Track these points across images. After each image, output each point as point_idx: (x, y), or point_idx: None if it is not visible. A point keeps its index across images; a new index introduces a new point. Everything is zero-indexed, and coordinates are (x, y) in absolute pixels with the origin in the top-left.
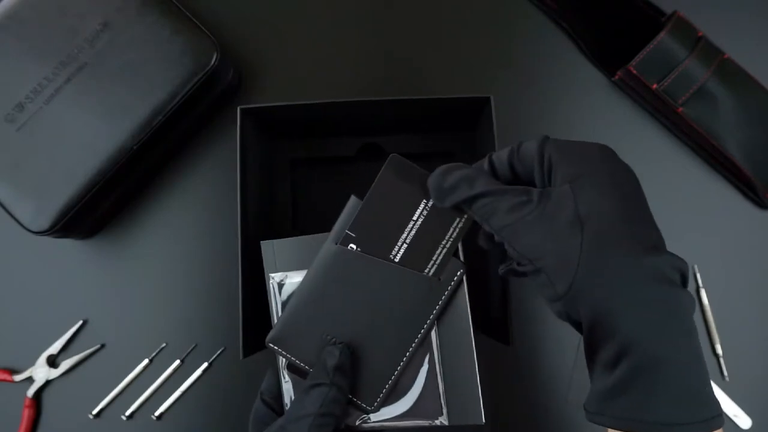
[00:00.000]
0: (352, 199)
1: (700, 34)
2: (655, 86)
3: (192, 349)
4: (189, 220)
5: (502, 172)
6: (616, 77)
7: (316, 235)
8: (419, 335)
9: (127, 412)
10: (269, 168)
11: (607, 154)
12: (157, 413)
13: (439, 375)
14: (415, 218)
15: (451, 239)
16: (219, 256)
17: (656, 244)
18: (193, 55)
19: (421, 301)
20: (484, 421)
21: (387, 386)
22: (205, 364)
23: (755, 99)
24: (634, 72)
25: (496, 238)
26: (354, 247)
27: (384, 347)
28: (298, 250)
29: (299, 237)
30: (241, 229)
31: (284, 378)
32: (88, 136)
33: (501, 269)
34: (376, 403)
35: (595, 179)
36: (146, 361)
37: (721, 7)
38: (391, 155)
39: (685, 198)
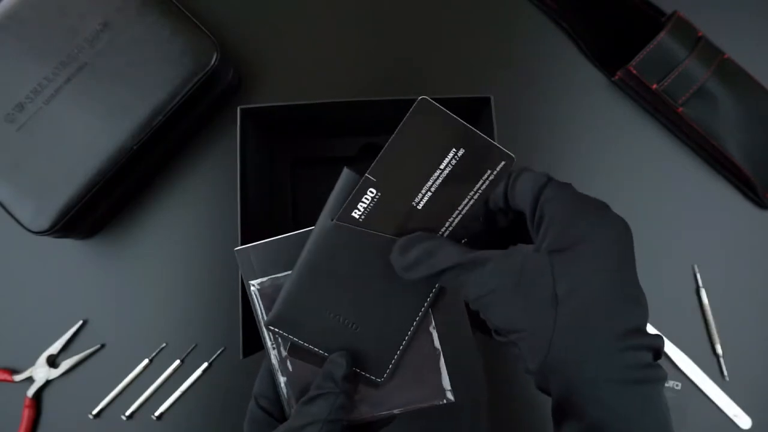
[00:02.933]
0: (346, 171)
1: (700, 34)
2: (655, 86)
3: (192, 349)
4: (189, 220)
5: (494, 201)
6: (616, 77)
7: (291, 234)
8: (425, 303)
9: (127, 412)
10: (269, 168)
11: (603, 217)
12: (157, 413)
13: (441, 355)
14: (442, 167)
15: (480, 191)
16: (219, 255)
17: (634, 325)
18: (193, 55)
19: None
20: (488, 393)
21: (395, 357)
22: (205, 364)
23: (755, 99)
24: (634, 72)
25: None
26: (374, 192)
27: (389, 320)
28: (275, 253)
29: (275, 239)
30: (241, 229)
31: (280, 381)
32: (88, 136)
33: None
34: (385, 375)
35: (582, 252)
36: (146, 361)
37: (721, 7)
38: (420, 98)
39: (685, 198)
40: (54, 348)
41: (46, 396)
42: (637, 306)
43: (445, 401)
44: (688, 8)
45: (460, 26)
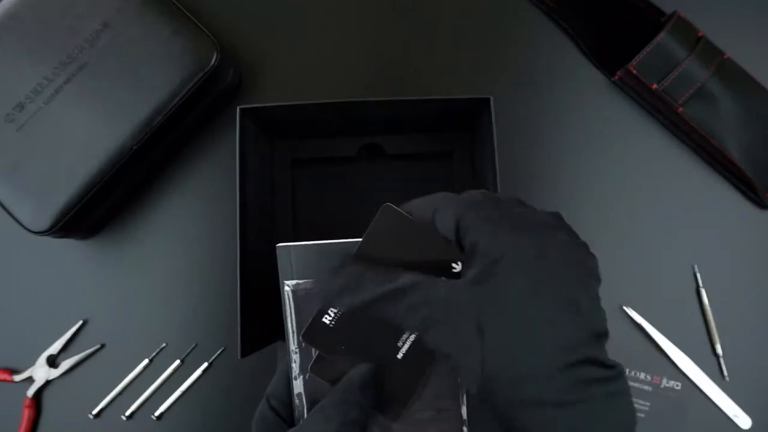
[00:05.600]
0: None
1: (700, 34)
2: (655, 86)
3: (192, 349)
4: (189, 220)
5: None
6: (616, 77)
7: (339, 241)
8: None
9: (127, 412)
10: (269, 168)
11: (515, 231)
12: (157, 413)
13: (462, 392)
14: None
15: None
16: (219, 255)
17: (569, 340)
18: (193, 55)
19: None
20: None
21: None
22: (205, 364)
23: (755, 99)
24: (634, 72)
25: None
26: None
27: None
28: (317, 257)
29: (320, 242)
30: (240, 229)
31: (296, 388)
32: (88, 136)
33: None
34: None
35: (499, 274)
36: (146, 361)
37: (721, 7)
38: (384, 205)
39: (685, 198)
40: (54, 348)
41: (46, 396)
42: (575, 316)
43: None
44: (688, 8)
45: (459, 26)
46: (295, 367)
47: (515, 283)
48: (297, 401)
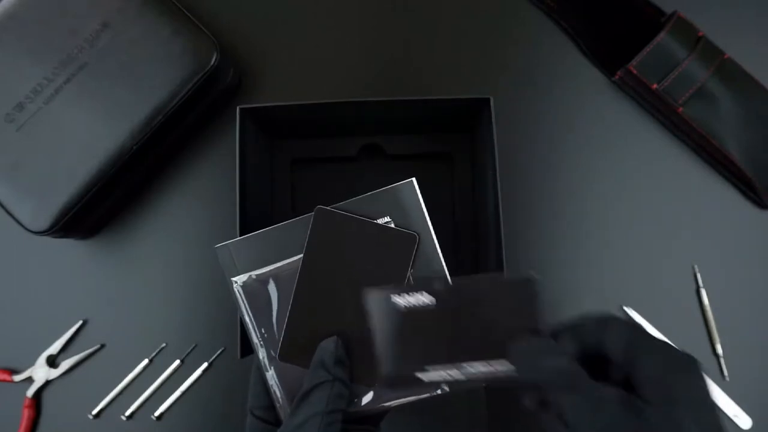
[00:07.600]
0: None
1: (700, 34)
2: (655, 86)
3: (192, 349)
4: (189, 220)
5: (590, 349)
6: (616, 77)
7: (271, 228)
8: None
9: (127, 412)
10: (269, 168)
11: (691, 368)
12: (157, 413)
13: None
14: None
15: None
16: None
17: None
18: (193, 55)
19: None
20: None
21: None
22: (205, 364)
23: (755, 99)
24: (634, 72)
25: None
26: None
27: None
28: (255, 248)
29: (254, 234)
30: (240, 229)
31: (270, 378)
32: (88, 136)
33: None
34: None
35: (689, 402)
36: (146, 361)
37: (721, 7)
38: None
39: (685, 198)
40: (54, 348)
41: (46, 396)
42: None
43: (439, 391)
44: (688, 8)
45: (459, 26)
46: (264, 359)
47: (702, 415)
48: (274, 392)
